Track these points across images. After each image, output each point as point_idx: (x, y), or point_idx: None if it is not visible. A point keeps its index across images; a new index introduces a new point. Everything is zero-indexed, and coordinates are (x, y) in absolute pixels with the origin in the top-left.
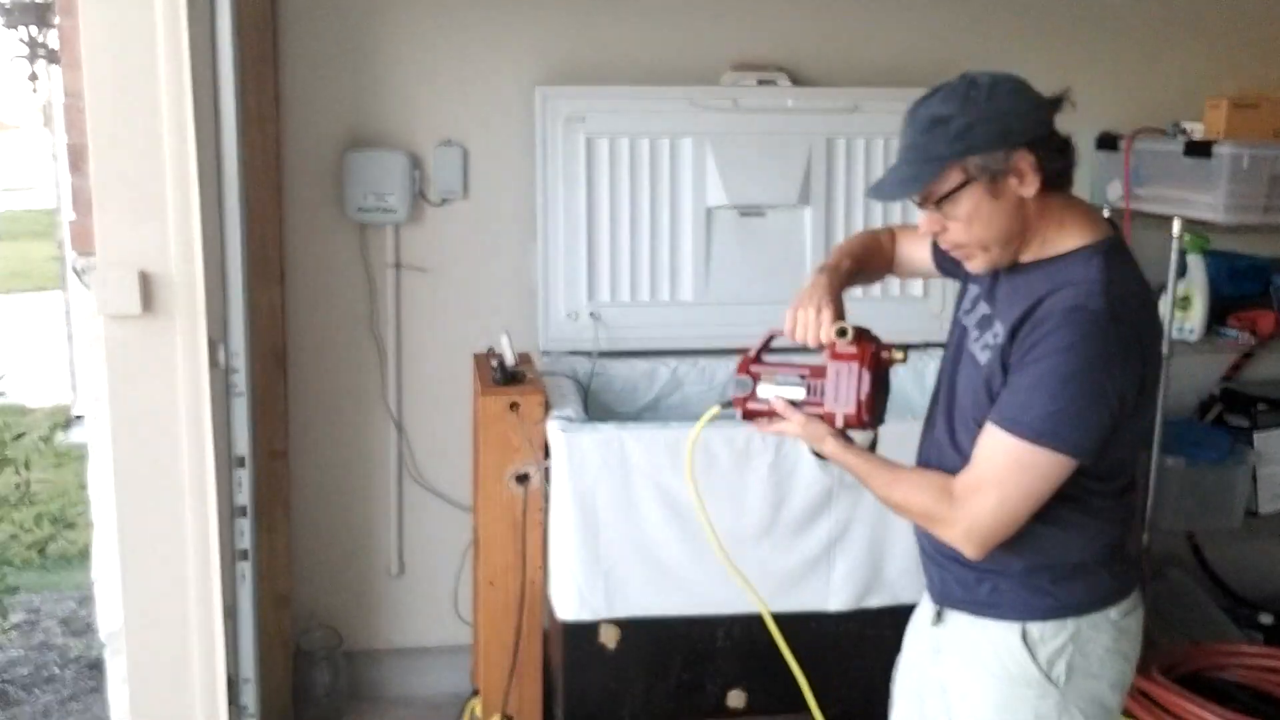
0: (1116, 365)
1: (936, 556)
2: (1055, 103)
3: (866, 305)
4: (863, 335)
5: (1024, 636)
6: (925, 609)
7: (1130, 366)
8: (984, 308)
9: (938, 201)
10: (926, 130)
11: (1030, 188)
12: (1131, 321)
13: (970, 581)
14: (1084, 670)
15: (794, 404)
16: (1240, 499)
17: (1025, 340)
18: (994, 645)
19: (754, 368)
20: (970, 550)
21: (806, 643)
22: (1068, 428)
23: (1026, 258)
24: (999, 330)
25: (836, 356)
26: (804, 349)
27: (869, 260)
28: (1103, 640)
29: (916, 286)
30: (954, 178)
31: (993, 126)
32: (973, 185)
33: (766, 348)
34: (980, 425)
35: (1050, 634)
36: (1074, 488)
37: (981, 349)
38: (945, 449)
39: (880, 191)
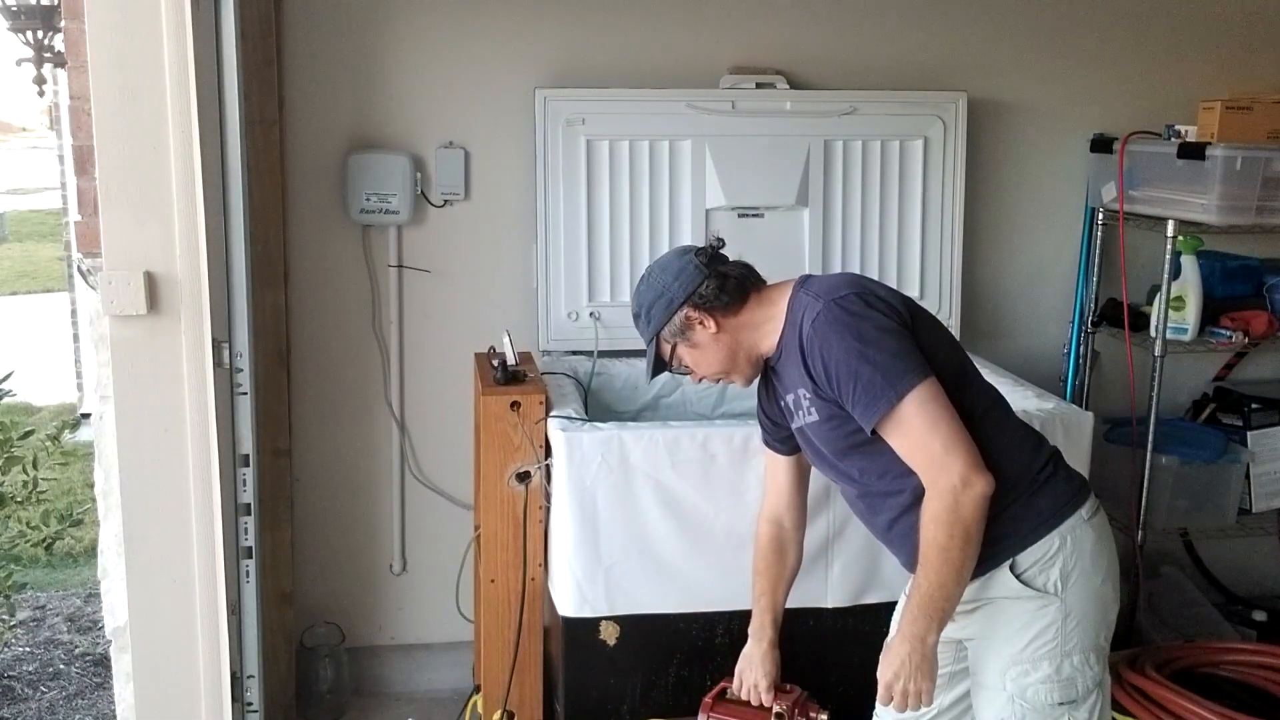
0: (862, 314)
1: (899, 537)
2: (700, 252)
3: None
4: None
5: (1014, 566)
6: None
7: (871, 304)
8: (789, 400)
9: (671, 366)
10: (635, 325)
11: (710, 325)
12: (847, 289)
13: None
14: (1080, 571)
15: None
16: (1233, 497)
17: (815, 370)
18: (996, 583)
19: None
20: (981, 480)
21: (805, 638)
22: (899, 369)
23: (768, 348)
24: (801, 391)
25: None
26: None
27: (779, 572)
28: (1089, 537)
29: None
30: (665, 348)
31: (658, 304)
32: (677, 346)
33: (722, 694)
34: (857, 444)
35: (1038, 554)
36: (966, 423)
37: (807, 414)
38: (857, 492)
39: (648, 376)
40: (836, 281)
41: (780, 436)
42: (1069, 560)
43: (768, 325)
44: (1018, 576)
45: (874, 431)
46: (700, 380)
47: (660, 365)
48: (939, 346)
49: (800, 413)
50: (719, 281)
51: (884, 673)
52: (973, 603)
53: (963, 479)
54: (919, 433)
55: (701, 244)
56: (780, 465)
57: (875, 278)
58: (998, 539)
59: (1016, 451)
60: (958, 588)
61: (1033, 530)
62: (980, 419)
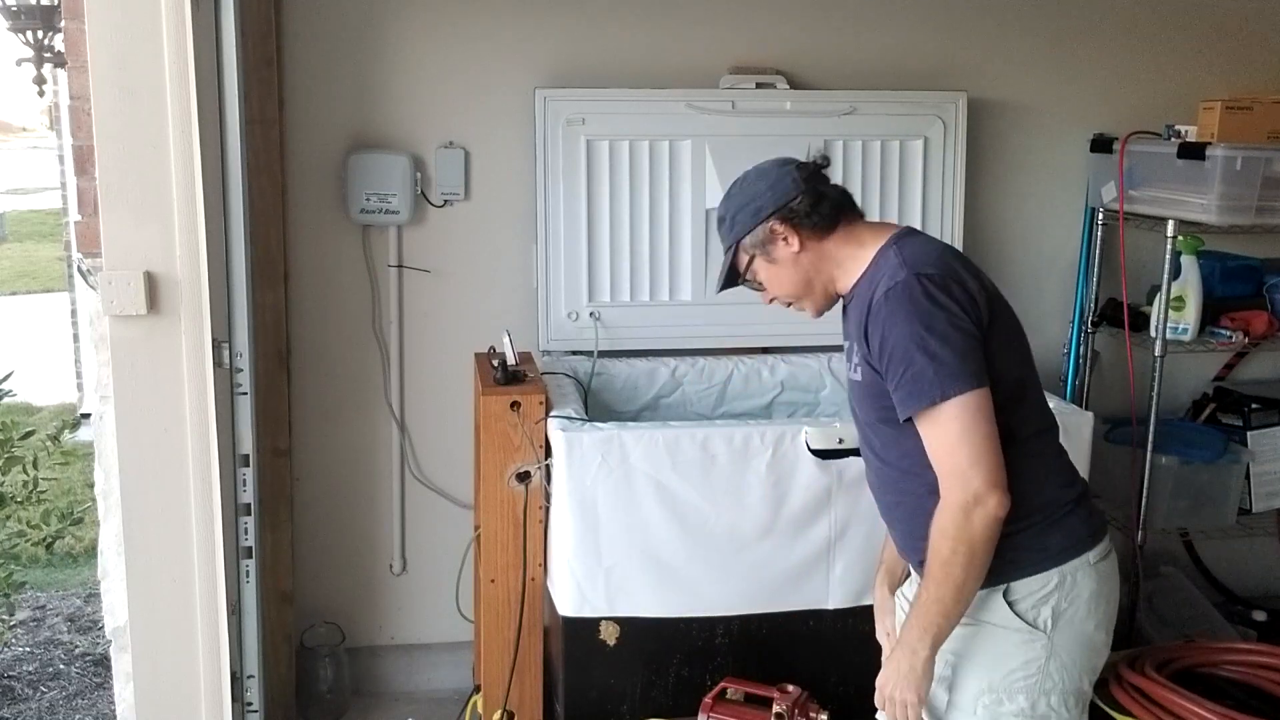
0: (941, 303)
1: (901, 520)
2: (801, 166)
3: None
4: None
5: (1006, 593)
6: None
7: (954, 296)
8: (846, 345)
9: (746, 280)
10: (717, 230)
11: (794, 244)
12: (937, 269)
13: None
14: (1071, 616)
15: None
16: (1233, 497)
17: (872, 339)
18: (984, 605)
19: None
20: (995, 502)
21: (806, 639)
22: (953, 371)
23: (844, 286)
24: (854, 346)
25: None
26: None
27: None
28: (1088, 584)
29: None
30: (743, 259)
31: (745, 210)
32: (756, 259)
33: (722, 694)
34: (891, 421)
35: (1035, 587)
36: (1006, 442)
37: (855, 371)
38: (875, 463)
39: (718, 286)
40: (930, 253)
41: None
42: (1063, 600)
43: (850, 264)
44: (1010, 604)
45: (908, 420)
46: (771, 301)
47: (732, 277)
48: (1006, 357)
49: (850, 365)
50: (813, 200)
51: (880, 678)
52: (962, 620)
53: (977, 495)
54: (950, 438)
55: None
56: None
57: None
58: (999, 563)
59: (1046, 482)
60: (956, 605)
61: (1035, 562)
62: (1022, 441)
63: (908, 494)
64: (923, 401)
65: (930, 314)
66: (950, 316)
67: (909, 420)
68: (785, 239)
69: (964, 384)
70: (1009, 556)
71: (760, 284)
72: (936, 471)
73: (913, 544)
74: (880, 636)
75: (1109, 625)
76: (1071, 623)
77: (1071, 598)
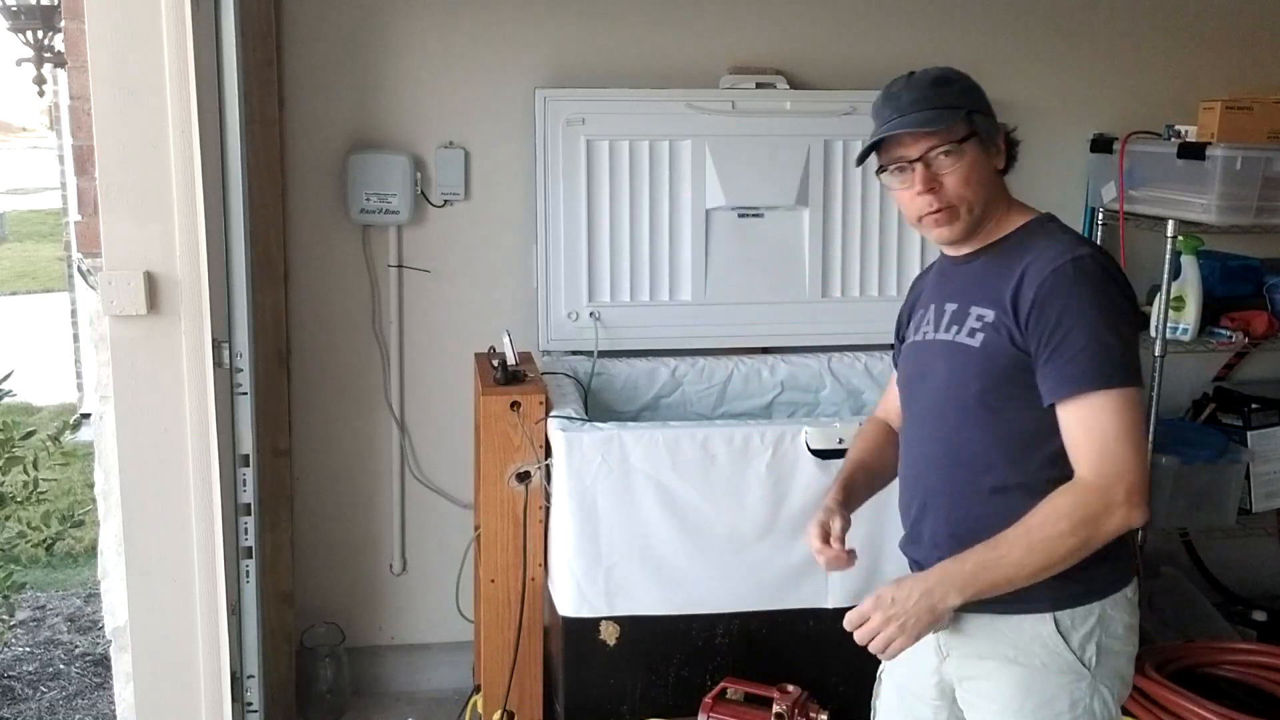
0: (1126, 294)
1: (944, 541)
2: None
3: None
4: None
5: (1056, 625)
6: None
7: (1129, 294)
8: (948, 307)
9: (945, 150)
10: (934, 86)
11: (1001, 160)
12: (1107, 261)
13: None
14: (1110, 649)
15: None
16: (1233, 497)
17: (1036, 307)
18: (1025, 638)
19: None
20: (1139, 514)
21: (805, 638)
22: (1131, 362)
23: (977, 243)
24: (985, 311)
25: None
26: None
27: (877, 444)
28: (1123, 618)
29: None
30: (961, 129)
31: (983, 99)
32: (974, 140)
33: (722, 694)
34: (990, 402)
35: (1080, 620)
36: None
37: (969, 335)
38: (941, 441)
39: (903, 123)
40: (1089, 242)
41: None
42: (1104, 635)
43: (1003, 217)
44: (1062, 636)
45: (1059, 402)
46: (923, 193)
47: (935, 127)
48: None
49: (956, 329)
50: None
51: (881, 595)
52: (990, 658)
53: (1127, 496)
54: (1118, 427)
55: None
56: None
57: (875, 278)
58: (1047, 590)
59: None
60: (1017, 581)
61: (1080, 595)
62: None
63: (965, 484)
64: (1099, 382)
65: (1118, 300)
66: (1132, 309)
67: (1051, 405)
68: (998, 149)
69: (1137, 378)
70: (1061, 578)
71: (944, 168)
72: (1084, 457)
73: (942, 539)
74: (813, 536)
75: (1134, 658)
76: (1110, 657)
77: (1111, 632)
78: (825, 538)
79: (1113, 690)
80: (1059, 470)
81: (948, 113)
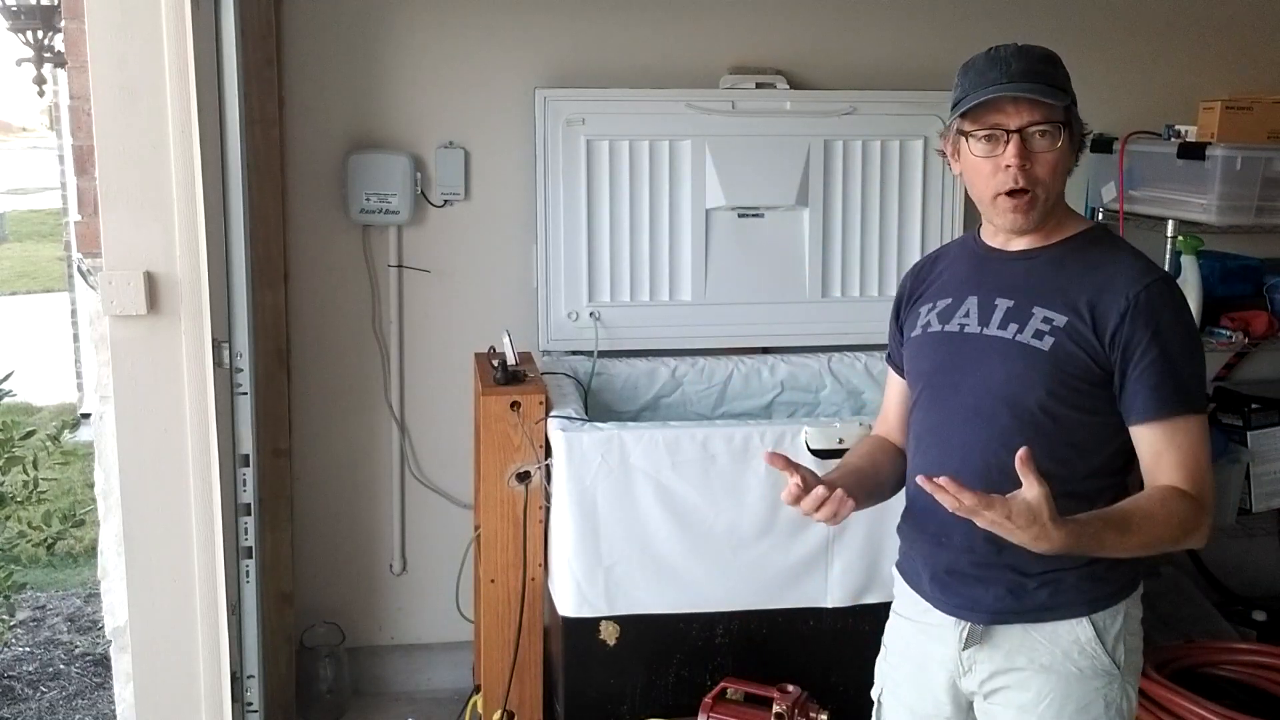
0: (1195, 324)
1: (986, 573)
2: None
3: (864, 306)
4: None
5: (1094, 628)
6: (935, 631)
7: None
8: (1000, 302)
9: (1045, 130)
10: (1045, 62)
11: (1074, 162)
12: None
13: (1026, 589)
14: (1133, 647)
15: None
16: (1234, 497)
17: (1134, 325)
18: (1062, 644)
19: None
20: (1206, 531)
21: (805, 638)
22: (1205, 392)
23: (1037, 240)
24: (1054, 315)
25: None
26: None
27: (875, 455)
28: (1138, 614)
29: None
30: (1058, 112)
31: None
32: (1067, 129)
33: (722, 694)
34: (1051, 408)
35: (1111, 620)
36: (1122, 460)
37: (1035, 337)
38: (992, 446)
39: (1016, 88)
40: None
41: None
42: (1127, 634)
43: (1064, 216)
44: (1099, 637)
45: (1150, 420)
46: (1011, 168)
47: (1058, 100)
48: None
49: (1016, 328)
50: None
51: (1005, 498)
52: (1023, 668)
53: (1210, 520)
54: (1203, 453)
55: None
56: (899, 392)
57: (875, 278)
58: (1079, 594)
59: None
60: (1117, 550)
61: (1109, 595)
62: (1127, 470)
63: (1009, 489)
64: (1190, 406)
65: (1195, 327)
66: (1200, 340)
67: (1132, 424)
68: (1080, 143)
69: (1205, 406)
70: (1093, 581)
71: (1038, 145)
72: (1178, 474)
73: (978, 542)
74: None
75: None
76: (1133, 655)
77: (1131, 629)
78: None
79: (1135, 686)
80: (1104, 481)
81: (1059, 93)
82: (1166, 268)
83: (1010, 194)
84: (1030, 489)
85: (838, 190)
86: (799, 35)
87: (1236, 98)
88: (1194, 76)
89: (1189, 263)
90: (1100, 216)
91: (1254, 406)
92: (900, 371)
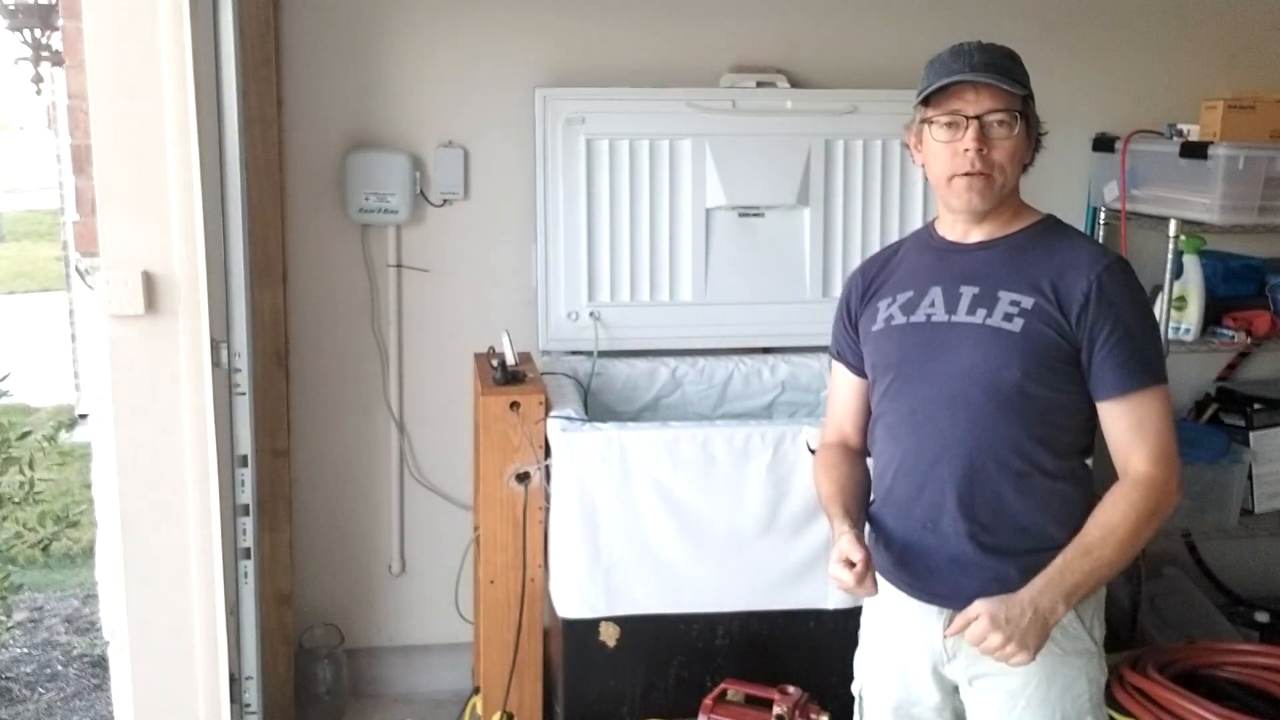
0: (1147, 296)
1: (971, 561)
2: None
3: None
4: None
5: (1074, 610)
6: (915, 620)
7: None
8: (964, 290)
9: (1002, 119)
10: (1008, 57)
11: (1030, 157)
12: None
13: (1014, 575)
14: (1103, 622)
15: None
16: (1236, 498)
17: (1097, 304)
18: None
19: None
20: (1178, 499)
21: (805, 639)
22: (1164, 363)
23: (992, 230)
24: (1021, 298)
25: None
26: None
27: (846, 470)
28: (1103, 590)
29: None
30: (1016, 100)
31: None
32: (1020, 120)
33: (722, 695)
34: (1027, 388)
35: (1089, 600)
36: (1087, 440)
37: (1005, 320)
38: (973, 427)
39: (975, 76)
40: None
41: (853, 363)
42: (1099, 610)
43: (1020, 205)
44: (1080, 619)
45: (1115, 397)
46: (970, 151)
47: (1017, 90)
48: None
49: (984, 313)
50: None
51: (994, 615)
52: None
53: (1179, 485)
54: (1165, 421)
55: None
56: (853, 389)
57: None
58: None
59: (1089, 492)
60: (1114, 576)
61: None
62: (1089, 450)
63: (992, 470)
64: (1150, 379)
65: (1148, 304)
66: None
67: (1102, 400)
68: (1033, 145)
69: (1165, 376)
70: None
71: (999, 134)
72: (1140, 449)
73: (964, 527)
74: (841, 569)
75: None
76: (1103, 628)
77: (1101, 605)
78: (851, 566)
79: (1103, 659)
80: (1076, 461)
81: (1017, 85)
82: (1169, 267)
83: (967, 175)
84: (971, 625)
85: (839, 189)
86: (800, 34)
87: (1239, 97)
88: (1196, 76)
89: (1191, 262)
90: (1103, 216)
91: (1256, 407)
92: (852, 368)
